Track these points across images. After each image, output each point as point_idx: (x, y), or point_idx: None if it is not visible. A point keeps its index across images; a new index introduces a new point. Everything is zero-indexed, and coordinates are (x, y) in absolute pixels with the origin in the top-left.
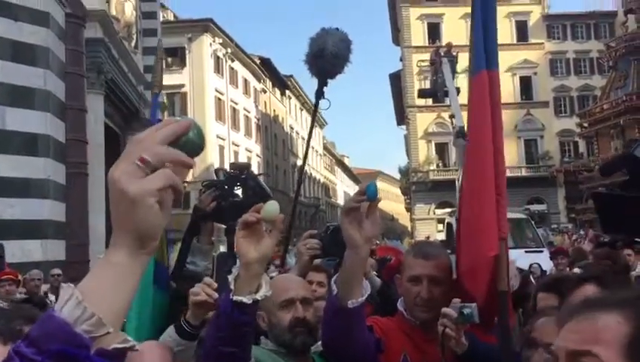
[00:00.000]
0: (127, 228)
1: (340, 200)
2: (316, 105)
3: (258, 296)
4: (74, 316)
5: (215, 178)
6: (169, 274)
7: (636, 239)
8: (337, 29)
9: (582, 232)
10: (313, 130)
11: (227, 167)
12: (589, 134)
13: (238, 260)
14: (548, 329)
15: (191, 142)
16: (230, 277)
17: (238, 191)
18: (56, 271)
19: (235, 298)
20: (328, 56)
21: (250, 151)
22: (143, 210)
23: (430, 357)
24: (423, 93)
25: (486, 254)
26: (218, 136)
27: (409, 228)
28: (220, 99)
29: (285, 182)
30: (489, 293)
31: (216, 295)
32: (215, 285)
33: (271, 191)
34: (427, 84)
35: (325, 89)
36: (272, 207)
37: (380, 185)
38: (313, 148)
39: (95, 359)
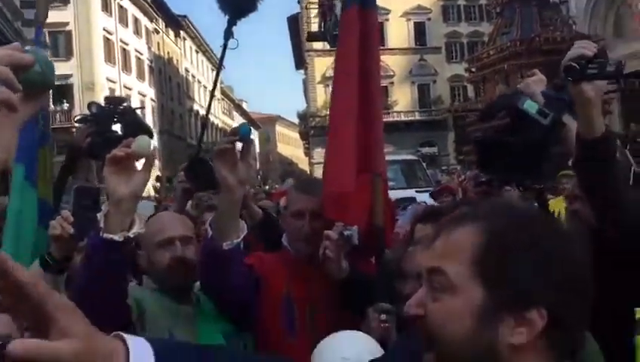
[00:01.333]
0: None
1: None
2: (225, 45)
3: (130, 234)
4: None
5: (89, 113)
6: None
7: (511, 182)
8: None
9: (469, 173)
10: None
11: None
12: (476, 79)
13: (106, 196)
14: (418, 259)
15: (33, 76)
16: (99, 215)
17: (116, 127)
18: None
19: (105, 236)
20: None
21: (143, 95)
22: None
23: (313, 288)
24: (312, 37)
25: (343, 188)
26: (108, 79)
27: (308, 173)
28: (108, 39)
29: (182, 126)
30: (366, 227)
31: (71, 229)
32: (71, 219)
33: (167, 136)
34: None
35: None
36: (143, 142)
37: (279, 129)
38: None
39: None
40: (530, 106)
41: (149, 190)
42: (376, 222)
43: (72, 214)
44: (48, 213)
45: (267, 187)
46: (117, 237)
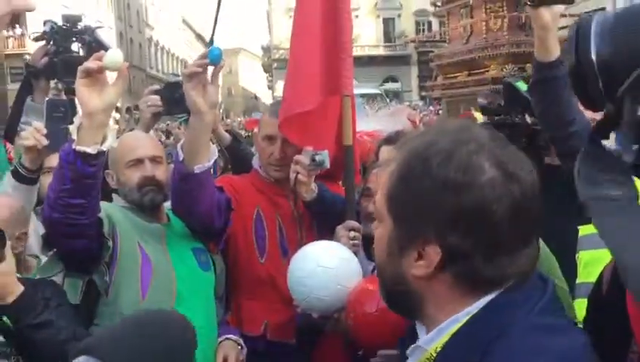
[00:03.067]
0: None
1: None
2: None
3: (104, 147)
4: None
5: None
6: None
7: None
8: None
9: (431, 108)
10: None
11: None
12: (440, 13)
13: (79, 108)
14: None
15: None
16: (72, 127)
17: (74, 46)
18: None
19: (77, 148)
20: None
21: (100, 22)
22: None
23: (283, 209)
24: None
25: (303, 107)
26: (63, 5)
27: None
28: None
29: (141, 56)
30: (336, 147)
31: (45, 141)
32: (44, 130)
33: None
34: None
35: None
36: (115, 55)
37: (242, 62)
38: (167, 16)
39: None
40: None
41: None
42: (346, 141)
43: (44, 126)
44: None
45: (229, 120)
46: (90, 150)
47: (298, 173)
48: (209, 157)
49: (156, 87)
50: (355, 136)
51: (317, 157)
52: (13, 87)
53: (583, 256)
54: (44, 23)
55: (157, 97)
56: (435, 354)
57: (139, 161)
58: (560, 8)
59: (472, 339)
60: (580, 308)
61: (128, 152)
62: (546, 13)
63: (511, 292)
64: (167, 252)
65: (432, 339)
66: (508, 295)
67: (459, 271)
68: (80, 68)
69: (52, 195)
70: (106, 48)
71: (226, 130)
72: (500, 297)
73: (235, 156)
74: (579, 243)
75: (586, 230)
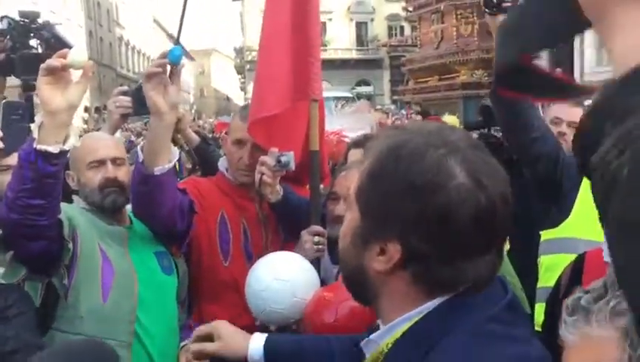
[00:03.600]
0: None
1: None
2: None
3: (66, 146)
4: None
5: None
6: None
7: None
8: None
9: (403, 112)
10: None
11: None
12: (412, 18)
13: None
14: (347, 182)
15: None
16: (33, 126)
17: (33, 42)
18: None
19: (39, 147)
20: None
21: (69, 19)
22: None
23: (248, 213)
24: None
25: (270, 111)
26: (31, 1)
27: None
28: None
29: (111, 55)
30: (302, 151)
31: (0, 143)
32: (0, 133)
33: (95, 65)
34: None
35: None
36: (79, 53)
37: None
38: (137, 15)
39: None
40: None
41: (77, 121)
42: (312, 147)
43: (0, 128)
44: None
45: (201, 122)
46: (52, 149)
47: (263, 173)
48: (169, 158)
49: (125, 87)
50: (322, 140)
51: (282, 159)
52: None
53: (543, 261)
54: (1, 19)
55: (126, 98)
56: (386, 349)
57: (100, 163)
58: None
59: (420, 338)
60: (540, 312)
61: (89, 153)
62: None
63: (465, 297)
64: (128, 255)
65: (384, 335)
66: (462, 299)
67: (417, 270)
68: (42, 65)
69: (10, 195)
70: (66, 45)
71: (195, 132)
72: (454, 300)
73: (204, 158)
74: (540, 247)
75: (547, 235)
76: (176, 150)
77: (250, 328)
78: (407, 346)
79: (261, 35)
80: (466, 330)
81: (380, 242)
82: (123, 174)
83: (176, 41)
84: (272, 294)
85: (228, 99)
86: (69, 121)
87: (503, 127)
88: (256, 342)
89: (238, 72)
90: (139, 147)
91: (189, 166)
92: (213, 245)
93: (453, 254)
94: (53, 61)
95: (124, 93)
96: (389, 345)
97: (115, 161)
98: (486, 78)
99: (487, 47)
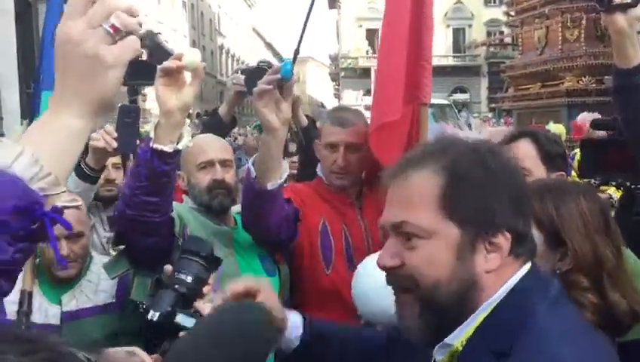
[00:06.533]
0: (91, 95)
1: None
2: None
3: (180, 146)
4: (30, 173)
5: None
6: None
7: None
8: None
9: (502, 120)
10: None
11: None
12: (514, 23)
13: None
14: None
15: None
16: (149, 126)
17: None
18: None
19: (155, 146)
20: None
21: (175, 30)
22: (115, 79)
23: (348, 218)
24: None
25: (390, 116)
26: (142, 13)
27: None
28: None
29: (213, 63)
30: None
31: (114, 143)
32: (115, 133)
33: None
34: None
35: None
36: (193, 55)
37: (311, 71)
38: (237, 25)
39: (50, 214)
40: None
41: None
42: None
43: (115, 130)
44: None
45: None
46: (166, 148)
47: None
48: (281, 173)
49: (243, 66)
50: None
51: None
52: None
53: None
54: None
55: (242, 77)
56: (460, 347)
57: (210, 164)
58: (637, 12)
59: (497, 330)
60: None
61: (199, 154)
62: (620, 18)
63: (525, 279)
64: (234, 255)
65: (457, 336)
66: (536, 268)
67: (521, 250)
68: (159, 67)
69: (128, 192)
70: (167, 52)
71: (306, 115)
72: (519, 283)
73: (309, 140)
74: None
75: None
76: (286, 164)
77: None
78: (485, 338)
79: (381, 41)
80: (544, 315)
81: (487, 240)
82: (230, 176)
83: (295, 54)
84: (381, 292)
85: (322, 105)
86: (183, 120)
87: (624, 126)
88: (294, 315)
89: (333, 79)
90: (250, 161)
91: (293, 150)
92: (315, 252)
93: (530, 222)
94: (170, 63)
95: (242, 72)
96: (464, 342)
97: (223, 163)
98: (593, 85)
99: (594, 52)
